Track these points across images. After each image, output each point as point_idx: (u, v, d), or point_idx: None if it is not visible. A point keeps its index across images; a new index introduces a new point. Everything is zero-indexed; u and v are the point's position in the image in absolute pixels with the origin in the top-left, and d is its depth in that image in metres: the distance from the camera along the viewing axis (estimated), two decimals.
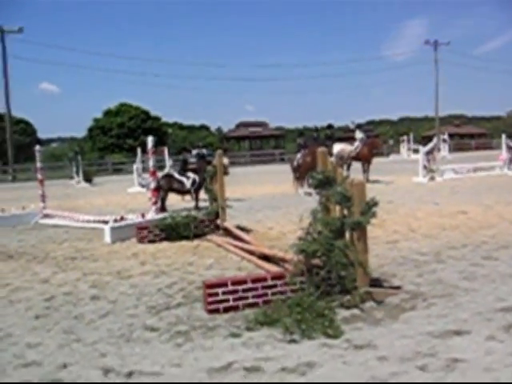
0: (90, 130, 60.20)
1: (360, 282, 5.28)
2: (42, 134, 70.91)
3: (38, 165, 13.56)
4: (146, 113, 59.59)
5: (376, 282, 5.70)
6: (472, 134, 71.10)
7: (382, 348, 4.13)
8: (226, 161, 13.68)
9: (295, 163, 17.86)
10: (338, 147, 19.45)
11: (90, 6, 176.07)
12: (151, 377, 3.84)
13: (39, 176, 13.52)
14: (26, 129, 63.71)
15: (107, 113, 59.53)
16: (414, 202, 13.22)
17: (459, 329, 4.44)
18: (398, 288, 5.70)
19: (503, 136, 23.74)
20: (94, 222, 11.34)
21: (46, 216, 13.08)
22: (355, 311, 5.02)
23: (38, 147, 13.96)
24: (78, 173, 29.93)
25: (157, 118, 61.12)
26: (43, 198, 13.33)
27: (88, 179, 30.07)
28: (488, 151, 48.02)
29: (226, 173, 12.21)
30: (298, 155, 18.03)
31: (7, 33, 43.57)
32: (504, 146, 22.87)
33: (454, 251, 7.47)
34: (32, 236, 10.95)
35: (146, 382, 3.78)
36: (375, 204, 5.31)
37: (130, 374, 3.90)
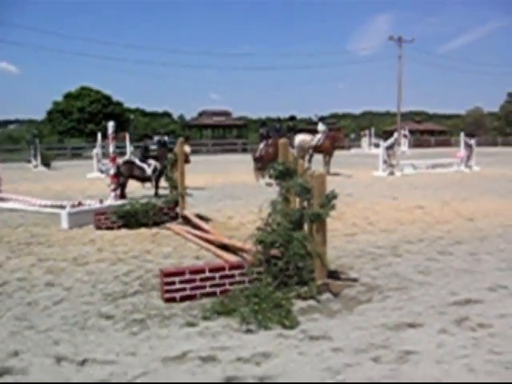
0: (50, 112, 59.10)
1: (317, 274, 5.31)
2: None
3: None
4: (108, 98, 58.84)
5: (333, 274, 5.75)
6: (432, 131, 72.39)
7: (337, 339, 4.17)
8: (187, 149, 13.59)
9: (257, 153, 17.86)
10: (299, 138, 19.56)
11: None
12: (105, 365, 3.79)
13: None
14: None
15: (67, 96, 58.52)
16: (373, 196, 13.39)
17: (413, 321, 4.52)
18: (354, 280, 5.76)
19: (461, 134, 24.24)
20: (51, 206, 11.11)
21: (1, 199, 12.76)
22: (312, 302, 5.05)
23: None
24: (35, 156, 29.28)
25: (119, 104, 60.44)
26: None
27: (46, 163, 29.46)
28: (447, 148, 48.95)
29: (187, 161, 12.14)
30: (261, 145, 18.03)
31: None
32: (462, 144, 23.35)
33: (411, 245, 7.60)
34: None
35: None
36: (335, 197, 5.34)
37: (83, 362, 3.84)
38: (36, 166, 28.83)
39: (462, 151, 23.16)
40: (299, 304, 4.99)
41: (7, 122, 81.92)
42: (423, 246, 7.54)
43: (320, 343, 4.11)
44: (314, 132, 21.49)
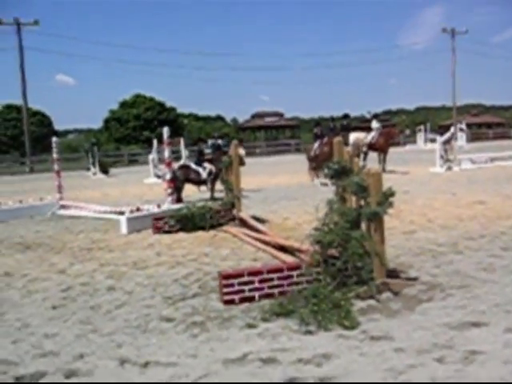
0: (106, 121, 60.64)
1: (376, 273, 5.24)
2: (58, 126, 71.50)
3: (55, 156, 13.63)
4: (161, 104, 59.87)
5: (393, 273, 5.66)
6: (490, 124, 70.37)
7: (398, 339, 4.10)
8: (241, 151, 13.66)
9: (312, 153, 17.79)
10: (353, 136, 19.36)
11: None
12: (167, 367, 3.84)
13: (56, 167, 13.60)
14: (42, 120, 64.09)
15: (123, 104, 59.91)
16: (430, 193, 13.11)
17: (477, 320, 4.39)
18: (414, 279, 5.66)
19: None
20: (111, 212, 11.37)
21: (63, 207, 13.16)
22: (372, 302, 4.99)
23: (54, 139, 14.04)
24: (94, 164, 30.02)
25: (172, 109, 61.34)
26: (60, 189, 13.42)
27: (104, 170, 30.18)
28: (506, 141, 47.57)
29: (241, 163, 12.18)
30: (315, 145, 17.96)
31: (23, 25, 43.73)
32: None
33: (472, 242, 7.40)
34: (49, 227, 11.03)
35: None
36: (392, 194, 5.26)
37: (146, 365, 3.90)
38: (95, 174, 29.56)
39: None
40: (359, 304, 4.94)
41: (66, 132, 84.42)
42: (485, 243, 7.33)
43: (381, 344, 4.05)
44: (367, 130, 21.24)
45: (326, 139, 17.30)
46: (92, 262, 7.42)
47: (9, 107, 61.71)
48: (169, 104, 61.13)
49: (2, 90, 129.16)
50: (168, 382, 3.63)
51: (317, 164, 17.41)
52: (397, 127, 23.31)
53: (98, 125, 67.49)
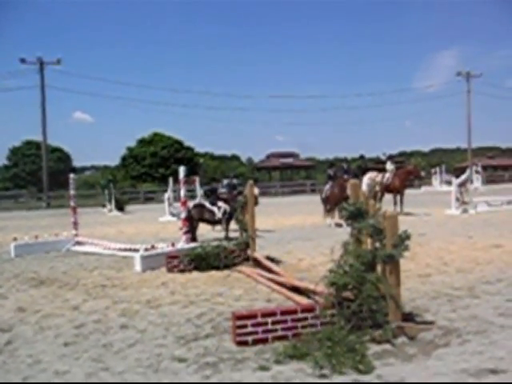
0: (123, 158, 61.26)
1: (392, 317, 5.17)
2: (76, 163, 72.31)
3: (72, 192, 13.76)
4: (180, 143, 60.43)
5: (408, 317, 5.59)
6: (506, 166, 70.09)
7: None
8: (256, 191, 13.71)
9: (323, 195, 17.80)
10: (366, 176, 19.33)
11: (119, 39, 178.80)
12: None
13: (72, 203, 13.71)
14: (61, 157, 65.11)
15: (141, 141, 60.56)
16: (446, 235, 13.01)
17: (495, 367, 4.30)
18: (430, 323, 5.57)
19: None
20: (125, 250, 11.40)
21: (78, 243, 13.22)
22: (387, 346, 4.91)
23: (72, 175, 14.17)
24: (110, 201, 30.23)
25: (190, 148, 61.88)
26: (75, 225, 13.51)
27: (120, 207, 30.36)
28: None
29: (256, 203, 12.20)
30: (327, 186, 17.96)
31: (47, 64, 44.76)
32: None
33: (489, 286, 7.30)
34: (64, 263, 11.06)
35: None
36: (408, 237, 5.23)
37: None
38: (110, 211, 29.73)
39: None
40: (374, 348, 4.87)
41: (84, 169, 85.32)
42: (502, 287, 7.22)
43: None
44: (382, 171, 21.22)
45: (336, 181, 17.34)
46: (105, 300, 7.41)
47: (29, 143, 62.88)
48: (187, 143, 61.78)
49: (22, 126, 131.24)
50: None
51: (329, 205, 17.42)
52: (411, 167, 22.88)
53: (114, 162, 68.23)
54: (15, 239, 12.91)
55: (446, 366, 4.38)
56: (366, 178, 19.15)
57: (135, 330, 5.87)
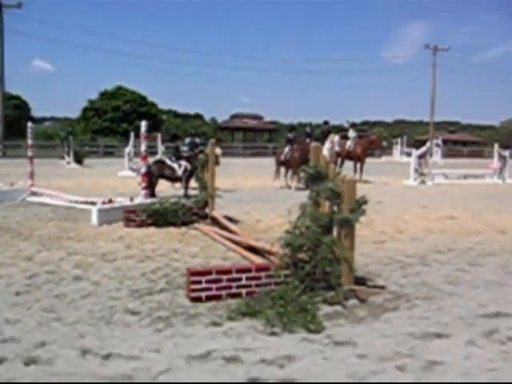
0: (84, 110, 59.81)
1: (345, 279, 5.27)
2: (35, 113, 70.24)
3: (29, 142, 13.43)
4: (143, 98, 59.40)
5: (360, 281, 5.70)
6: (465, 142, 71.50)
7: (362, 346, 4.12)
8: (218, 151, 13.65)
9: (282, 157, 17.77)
10: (328, 140, 19.34)
11: None
12: (129, 360, 3.81)
13: (29, 153, 13.41)
14: (18, 105, 63.09)
15: (103, 94, 59.22)
16: (403, 205, 13.24)
17: (440, 332, 4.44)
18: (381, 288, 5.70)
19: (496, 145, 23.90)
20: (82, 202, 11.24)
21: (34, 194, 12.98)
22: (338, 308, 5.01)
23: (30, 124, 13.80)
24: (68, 153, 29.71)
25: (153, 104, 60.92)
26: (32, 175, 13.23)
27: (79, 160, 29.92)
28: (480, 159, 48.27)
29: (217, 163, 12.17)
30: (285, 149, 17.90)
31: (6, 7, 43.06)
32: (496, 155, 23.00)
33: (440, 255, 7.49)
34: (18, 213, 10.86)
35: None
36: (365, 202, 5.30)
37: (107, 356, 3.86)
38: (69, 163, 29.25)
39: (495, 162, 22.82)
40: (325, 309, 4.96)
41: (43, 119, 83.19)
42: (453, 257, 7.43)
43: (345, 349, 4.07)
44: (344, 138, 21.33)
45: (296, 145, 17.36)
46: (60, 251, 7.32)
47: None
48: (151, 99, 60.78)
49: None
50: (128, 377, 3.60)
51: (286, 169, 17.51)
52: (375, 137, 23.08)
53: (75, 114, 66.66)
54: None
55: (394, 329, 4.50)
56: (327, 143, 19.23)
57: (89, 282, 5.83)
